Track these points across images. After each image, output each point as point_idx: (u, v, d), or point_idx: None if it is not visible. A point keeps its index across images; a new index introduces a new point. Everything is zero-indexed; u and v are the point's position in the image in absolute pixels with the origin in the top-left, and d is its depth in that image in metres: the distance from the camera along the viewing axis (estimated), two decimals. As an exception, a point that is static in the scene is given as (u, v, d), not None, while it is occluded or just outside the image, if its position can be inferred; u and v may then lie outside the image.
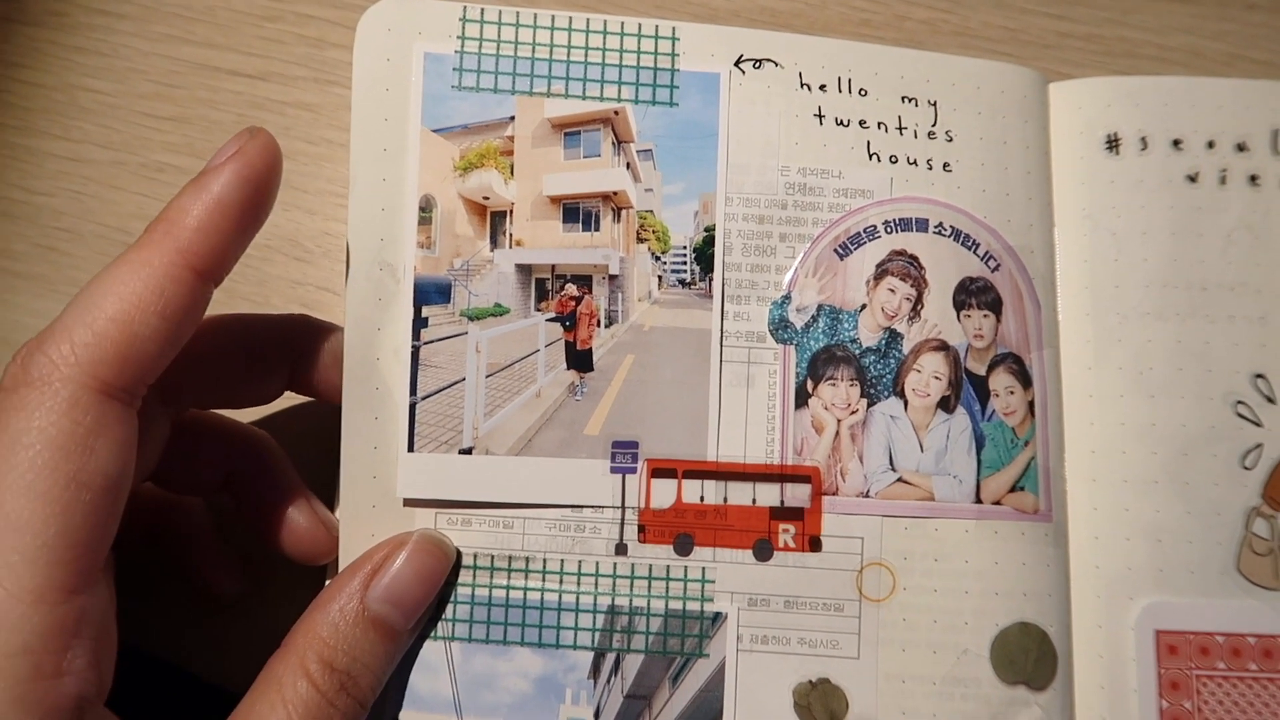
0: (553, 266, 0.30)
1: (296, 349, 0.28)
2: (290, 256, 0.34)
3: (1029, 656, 0.28)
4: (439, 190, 0.29)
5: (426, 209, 0.29)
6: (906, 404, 0.29)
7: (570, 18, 0.30)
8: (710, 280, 0.30)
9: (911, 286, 0.30)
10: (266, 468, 0.29)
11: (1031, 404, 0.30)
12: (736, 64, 0.30)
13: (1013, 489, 0.29)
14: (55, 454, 0.20)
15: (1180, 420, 0.30)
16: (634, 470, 0.29)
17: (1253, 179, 0.31)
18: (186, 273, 0.22)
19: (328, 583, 0.29)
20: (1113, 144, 0.32)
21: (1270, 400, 0.30)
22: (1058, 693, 0.29)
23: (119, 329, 0.21)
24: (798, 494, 0.29)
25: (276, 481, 0.29)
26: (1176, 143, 0.32)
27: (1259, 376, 0.30)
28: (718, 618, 0.29)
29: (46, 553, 0.20)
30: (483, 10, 0.29)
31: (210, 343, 0.24)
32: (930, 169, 0.30)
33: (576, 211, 0.30)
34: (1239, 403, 0.30)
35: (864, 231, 0.30)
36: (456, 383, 0.29)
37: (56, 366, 0.21)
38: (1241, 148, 0.32)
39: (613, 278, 0.30)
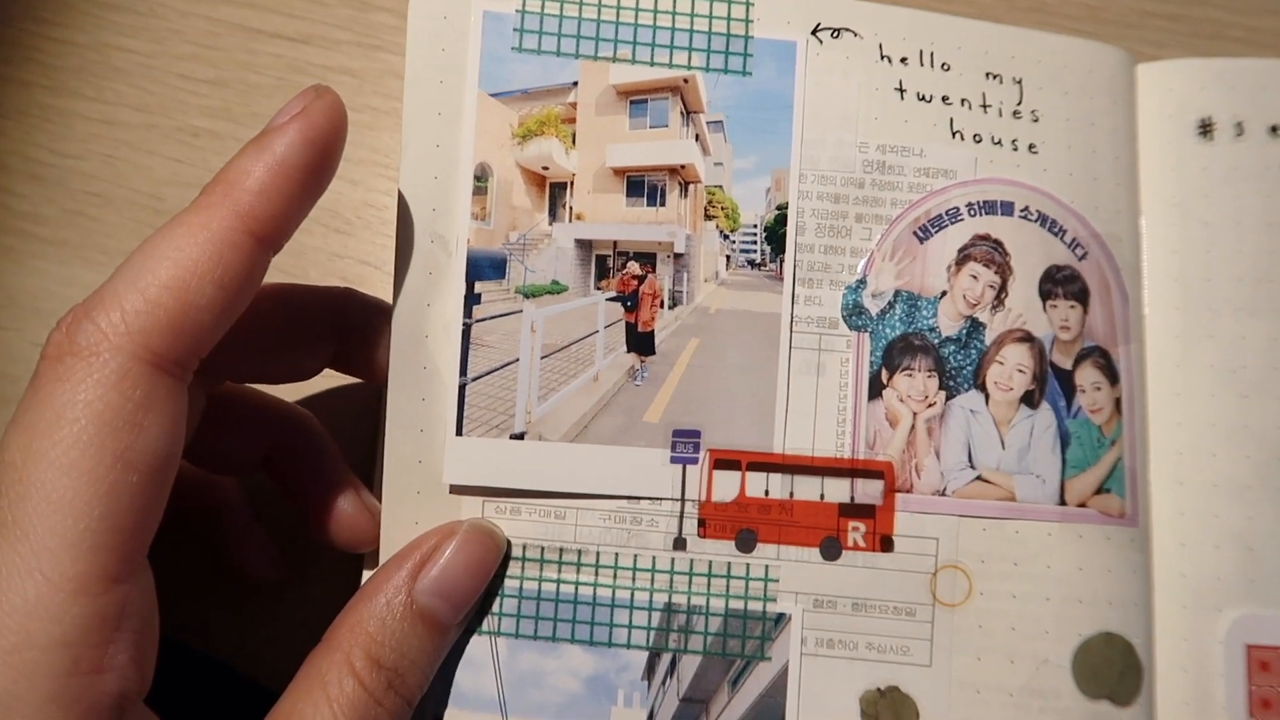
0: (614, 243, 0.28)
1: (341, 323, 0.27)
2: (330, 228, 0.33)
3: (1113, 669, 0.27)
4: (495, 159, 0.27)
5: (482, 178, 0.27)
6: (988, 398, 0.28)
7: (640, -22, 0.28)
8: (781, 262, 0.28)
9: (995, 273, 0.28)
10: (308, 447, 0.28)
11: (1118, 401, 0.28)
12: (814, 32, 0.28)
13: (1098, 491, 0.28)
14: (102, 430, 0.19)
15: (1275, 422, 0.29)
16: (695, 461, 0.27)
17: (1355, 169, 0.30)
18: (246, 238, 0.21)
19: (366, 574, 0.28)
20: (1206, 129, 0.30)
21: (1371, 403, 0.28)
22: (1142, 709, 0.27)
23: (173, 297, 0.20)
24: (869, 490, 0.27)
25: (319, 463, 0.28)
26: (1274, 129, 0.30)
27: (1359, 378, 0.29)
28: (781, 619, 0.27)
29: (89, 537, 0.18)
30: (547, -33, 0.28)
31: (250, 312, 0.23)
32: (1015, 150, 0.29)
33: (641, 185, 0.28)
34: (1338, 405, 0.28)
35: (946, 214, 0.28)
36: (510, 364, 0.27)
37: (105, 335, 0.19)
38: (1343, 135, 0.30)
39: (678, 256, 0.28)
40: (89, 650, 0.18)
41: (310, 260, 0.32)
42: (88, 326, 0.19)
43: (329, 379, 0.30)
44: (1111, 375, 0.28)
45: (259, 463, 0.28)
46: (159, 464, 0.20)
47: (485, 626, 0.27)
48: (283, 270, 0.32)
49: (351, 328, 0.27)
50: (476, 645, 0.27)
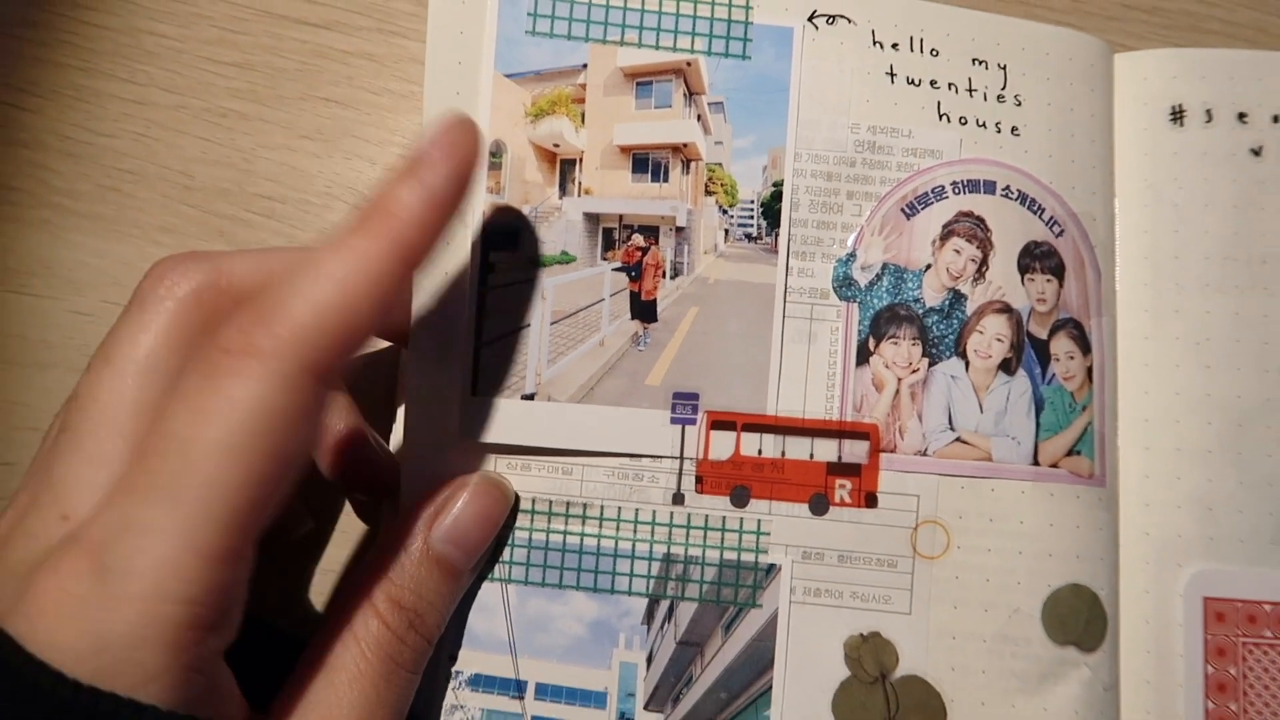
0: (620, 216, 0.30)
1: None
2: (350, 204, 0.34)
3: (1080, 618, 0.29)
4: (510, 136, 0.29)
5: (497, 154, 0.29)
6: (968, 365, 0.29)
7: (646, -33, 0.30)
8: (776, 235, 0.30)
9: (977, 248, 0.30)
10: (329, 400, 0.29)
11: (1090, 370, 0.30)
12: (810, 19, 0.30)
13: (1069, 453, 0.29)
14: (266, 425, 0.20)
15: (1236, 392, 0.30)
16: (694, 421, 0.29)
17: (1317, 154, 0.31)
18: (402, 267, 0.22)
19: (385, 526, 0.30)
20: (1177, 116, 0.32)
21: (1328, 374, 0.30)
22: (1106, 655, 0.29)
23: (338, 317, 0.21)
24: (855, 450, 0.29)
25: (339, 415, 0.29)
26: (1242, 116, 0.32)
27: (1317, 350, 0.30)
28: (771, 569, 0.29)
29: (233, 517, 0.20)
30: (559, -43, 0.29)
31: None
32: (999, 132, 0.30)
33: (646, 162, 0.30)
34: (1296, 376, 0.30)
35: (931, 192, 0.30)
36: (521, 329, 0.29)
37: (282, 344, 0.21)
38: (1307, 123, 0.32)
39: (679, 229, 0.30)
40: (208, 611, 0.20)
41: (332, 233, 0.34)
42: (265, 333, 0.21)
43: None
44: (1084, 346, 0.30)
45: None
46: (298, 462, 0.21)
47: (497, 574, 0.29)
48: (305, 244, 0.34)
49: None
50: (489, 591, 0.29)
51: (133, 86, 0.35)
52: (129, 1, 0.35)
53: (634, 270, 0.30)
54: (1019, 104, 0.31)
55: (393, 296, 0.22)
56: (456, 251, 0.28)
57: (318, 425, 0.22)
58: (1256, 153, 0.31)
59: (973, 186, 0.30)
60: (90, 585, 0.19)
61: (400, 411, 0.30)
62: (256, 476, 0.20)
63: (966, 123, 0.30)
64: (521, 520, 0.29)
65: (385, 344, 0.32)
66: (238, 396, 0.20)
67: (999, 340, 0.30)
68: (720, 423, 0.29)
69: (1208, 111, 0.32)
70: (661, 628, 0.29)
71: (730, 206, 0.30)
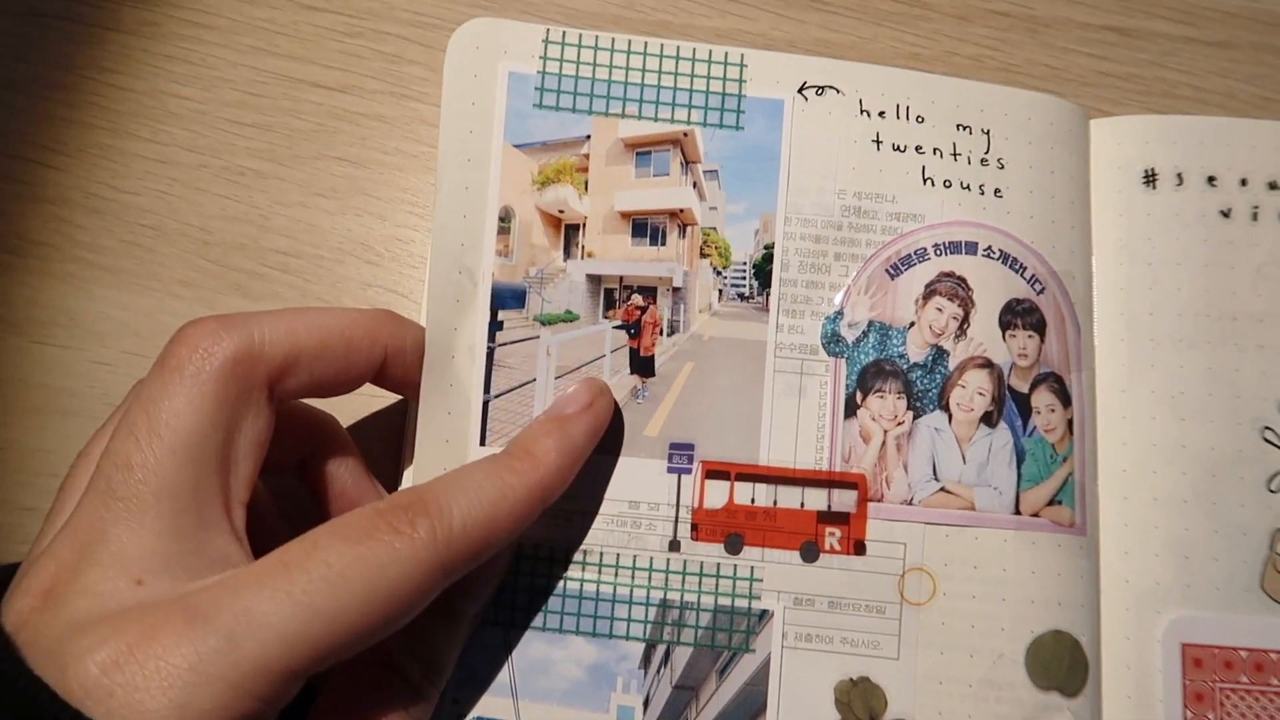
0: (621, 277, 0.31)
1: (384, 343, 0.30)
2: (362, 259, 0.36)
3: (1062, 664, 0.30)
4: (518, 202, 0.31)
5: (505, 219, 0.30)
6: (951, 417, 0.31)
7: (645, 43, 0.31)
8: (767, 295, 0.31)
9: (959, 306, 0.31)
10: (338, 452, 0.30)
11: (1070, 422, 0.31)
12: (800, 90, 0.32)
13: (1050, 502, 0.31)
14: (396, 598, 0.23)
15: (1209, 443, 0.32)
16: (689, 471, 0.30)
17: (1284, 216, 0.33)
18: (538, 505, 0.26)
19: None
20: (1150, 179, 0.33)
21: (1297, 427, 0.32)
22: (1088, 700, 0.30)
23: (481, 533, 0.25)
24: (844, 500, 0.30)
25: (347, 467, 0.30)
26: (1211, 179, 0.33)
27: (1286, 404, 0.32)
28: (764, 615, 0.30)
29: (328, 650, 0.22)
30: (564, 33, 0.31)
31: (317, 339, 0.26)
32: (983, 194, 0.32)
33: (645, 226, 0.31)
34: (1266, 429, 0.32)
35: (914, 253, 0.31)
36: (528, 383, 0.30)
37: (435, 540, 0.24)
38: (1274, 186, 0.33)
39: (676, 290, 0.31)
40: (269, 711, 0.22)
41: (344, 289, 0.36)
42: (428, 526, 0.24)
43: (357, 393, 0.32)
44: (1064, 399, 0.31)
45: (294, 468, 0.30)
46: (390, 632, 0.24)
47: (499, 619, 0.30)
48: (318, 298, 0.35)
49: (392, 347, 0.30)
50: (490, 635, 0.30)
51: (156, 146, 0.37)
52: (154, 66, 0.37)
53: (633, 328, 0.31)
54: (1002, 167, 0.32)
55: (524, 527, 0.26)
56: (466, 309, 0.30)
57: (420, 609, 0.24)
58: (1226, 214, 0.33)
59: (954, 248, 0.32)
60: (189, 654, 0.20)
61: (409, 467, 0.31)
62: (363, 628, 0.22)
63: (951, 185, 0.32)
64: (523, 566, 0.30)
65: (396, 397, 0.34)
66: (386, 564, 0.23)
67: (980, 394, 0.31)
68: (715, 472, 0.30)
69: (1179, 175, 0.33)
70: (658, 672, 0.30)
71: (724, 268, 0.32)
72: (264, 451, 0.25)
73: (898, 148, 0.32)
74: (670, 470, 0.30)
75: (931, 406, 0.31)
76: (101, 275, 0.36)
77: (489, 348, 0.30)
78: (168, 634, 0.20)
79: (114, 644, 0.20)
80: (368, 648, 0.26)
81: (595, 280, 0.31)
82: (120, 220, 0.36)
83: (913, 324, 0.31)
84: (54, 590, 0.22)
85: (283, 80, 0.37)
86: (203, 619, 0.21)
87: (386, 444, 0.34)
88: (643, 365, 0.31)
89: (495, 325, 0.30)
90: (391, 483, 0.32)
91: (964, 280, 0.31)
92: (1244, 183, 0.33)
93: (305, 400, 0.31)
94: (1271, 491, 0.31)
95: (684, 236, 0.31)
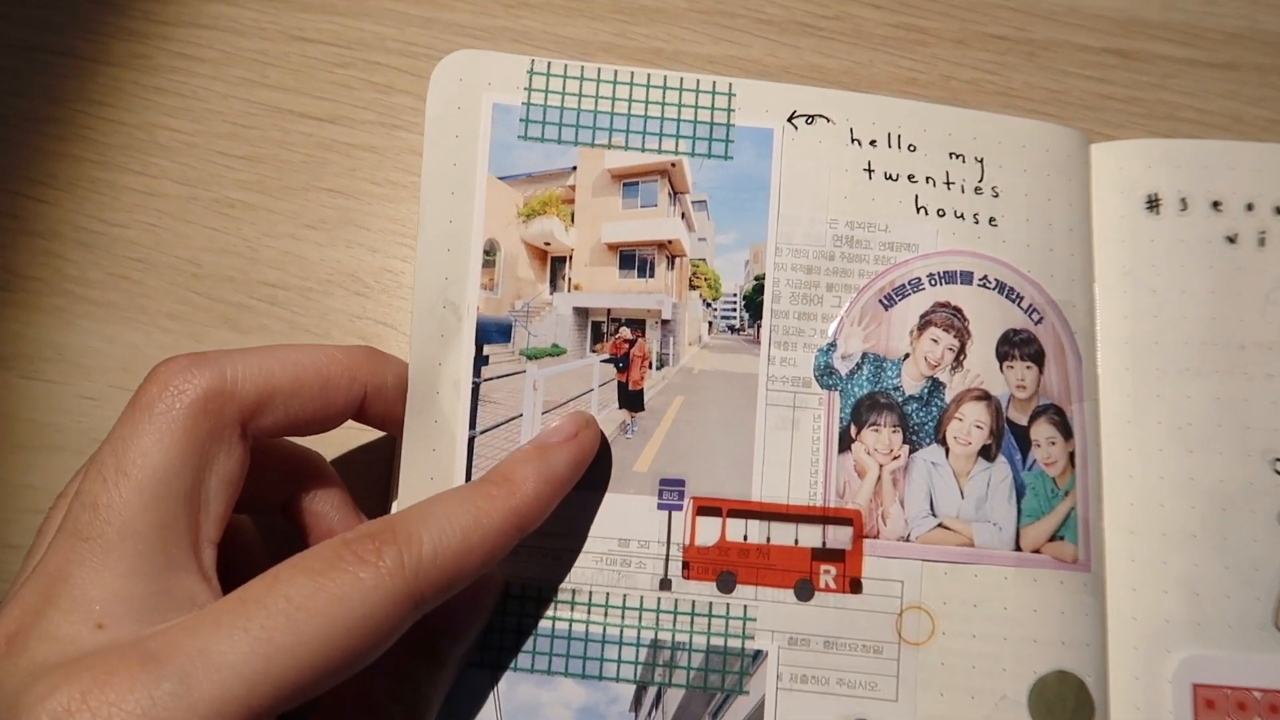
0: (608, 310, 0.31)
1: (364, 380, 0.30)
2: (351, 291, 0.36)
3: (1066, 705, 0.29)
4: (503, 235, 0.30)
5: (490, 252, 0.30)
6: (948, 451, 0.30)
7: (631, 73, 0.31)
8: (758, 327, 0.31)
9: (955, 337, 0.31)
10: (324, 489, 0.30)
11: (1072, 455, 0.30)
12: (790, 119, 0.31)
13: (1052, 538, 0.30)
14: (359, 629, 0.22)
15: (1219, 476, 0.31)
16: (680, 507, 0.30)
17: (1291, 241, 0.32)
18: (514, 534, 0.26)
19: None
20: (1153, 204, 0.32)
21: (1309, 459, 0.31)
22: (1094, 743, 0.29)
23: (453, 562, 0.24)
24: (839, 536, 0.30)
25: (333, 504, 0.30)
26: (1216, 204, 0.32)
27: (1297, 435, 0.31)
28: (758, 655, 0.29)
29: (292, 687, 0.21)
30: (549, 64, 0.31)
31: (291, 376, 0.26)
32: (977, 223, 0.31)
33: (633, 258, 0.31)
34: (1277, 460, 0.31)
35: (909, 283, 0.31)
36: (514, 418, 0.30)
37: (403, 569, 0.23)
38: (1280, 210, 0.32)
39: (665, 322, 0.31)
40: None
41: (333, 321, 0.35)
42: (394, 554, 0.23)
43: (342, 429, 0.32)
44: (1065, 431, 0.31)
45: (280, 506, 0.30)
46: (362, 667, 0.23)
47: (486, 661, 0.29)
48: (308, 330, 0.35)
49: (373, 384, 0.30)
50: (479, 678, 0.29)
51: (145, 179, 0.36)
52: (145, 98, 0.37)
53: (622, 361, 0.31)
54: (996, 195, 0.31)
55: (501, 556, 0.25)
56: (450, 344, 0.29)
57: (389, 646, 0.23)
58: (1232, 240, 0.32)
59: (949, 278, 0.31)
60: (142, 699, 0.20)
61: (395, 501, 0.30)
62: (329, 665, 0.22)
63: (944, 214, 0.31)
64: (511, 606, 0.29)
65: (381, 434, 0.33)
66: (350, 595, 0.22)
67: (978, 427, 0.30)
68: (706, 508, 0.30)
69: (1182, 200, 0.32)
70: (649, 715, 0.29)
71: (714, 300, 0.31)
72: (237, 490, 0.25)
73: (890, 176, 0.31)
74: (660, 507, 0.30)
75: (928, 440, 0.30)
76: (90, 309, 0.35)
77: (474, 383, 0.29)
78: (122, 679, 0.20)
79: (66, 691, 0.20)
80: (351, 690, 0.25)
81: (582, 313, 0.31)
82: (109, 253, 0.36)
83: (908, 355, 0.31)
84: (17, 635, 0.22)
85: (273, 111, 0.37)
86: (157, 662, 0.20)
87: (374, 480, 0.33)
88: (631, 399, 0.30)
89: (480, 360, 0.30)
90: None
91: (959, 310, 0.31)
92: (1250, 207, 0.32)
93: (290, 438, 0.31)
94: (1284, 526, 0.30)
95: (672, 268, 0.31)
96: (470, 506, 0.25)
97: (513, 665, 0.29)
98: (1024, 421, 0.30)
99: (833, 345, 0.31)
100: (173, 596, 0.23)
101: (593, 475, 0.29)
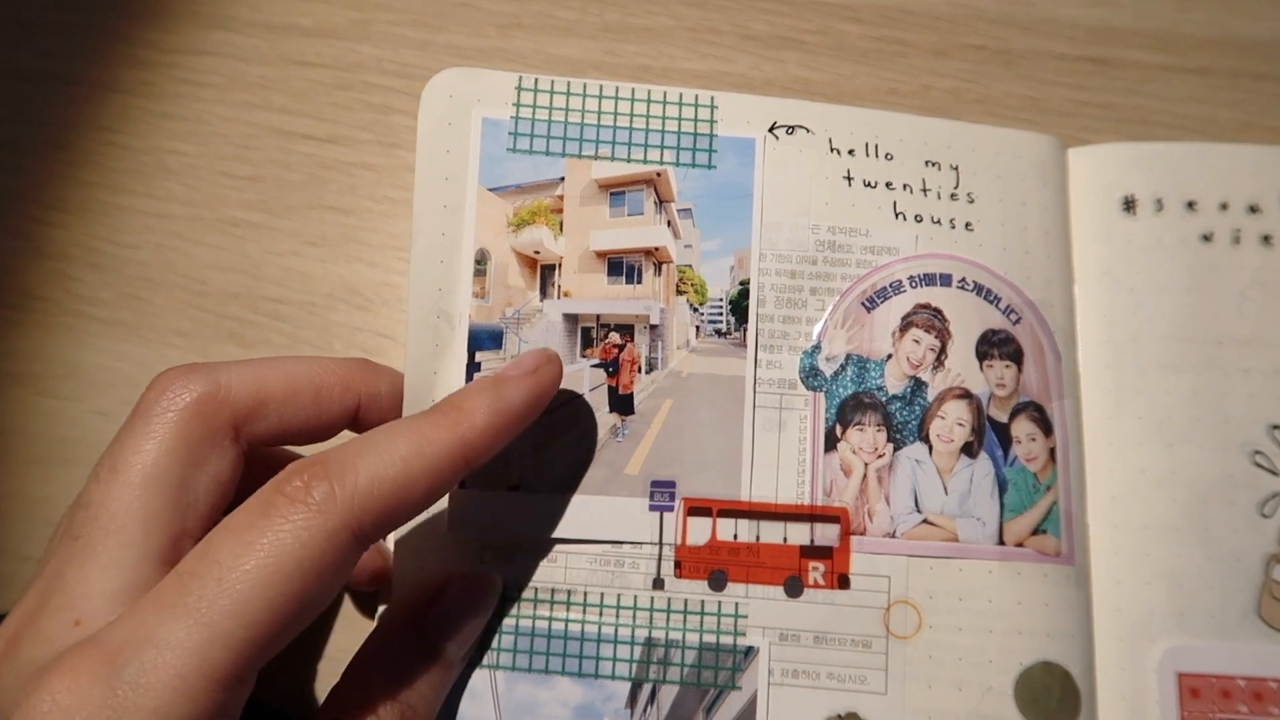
0: (598, 316, 0.32)
1: (358, 390, 0.31)
2: (352, 305, 0.37)
3: (1052, 695, 0.29)
4: (493, 244, 0.31)
5: (481, 262, 0.31)
6: (931, 449, 0.31)
7: (617, 87, 0.32)
8: (745, 330, 0.31)
9: (935, 338, 0.31)
10: None
11: (1053, 451, 0.31)
12: (770, 130, 0.32)
13: (1035, 532, 0.30)
14: (301, 572, 0.22)
15: (1199, 469, 0.31)
16: (671, 508, 0.30)
17: (1265, 239, 0.33)
18: (461, 464, 0.24)
19: (380, 609, 0.31)
20: (1129, 205, 0.33)
21: (1287, 451, 0.31)
22: (1081, 733, 0.29)
23: (393, 491, 0.23)
24: (827, 534, 0.30)
25: None
26: (1190, 204, 0.33)
27: (1275, 428, 0.31)
28: (750, 651, 0.30)
29: (247, 646, 0.21)
30: (536, 80, 0.32)
31: (284, 384, 0.27)
32: (953, 228, 0.32)
33: (620, 265, 0.32)
34: (1256, 452, 0.31)
35: (890, 286, 0.32)
36: (506, 423, 0.30)
37: (336, 502, 0.22)
38: (1254, 209, 0.33)
39: (653, 327, 0.32)
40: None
41: (334, 334, 0.36)
42: (325, 488, 0.22)
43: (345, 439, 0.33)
44: (1045, 427, 0.31)
45: None
46: (319, 610, 0.23)
47: (486, 661, 0.30)
48: (309, 343, 0.36)
49: (367, 394, 0.31)
50: (478, 678, 0.29)
51: (153, 201, 0.38)
52: (151, 123, 0.38)
53: (611, 366, 0.31)
54: (971, 201, 0.32)
55: (447, 486, 0.24)
56: (444, 353, 0.30)
57: (343, 580, 0.23)
58: (1207, 239, 0.33)
59: (929, 280, 0.32)
60: (102, 692, 0.20)
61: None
62: (279, 616, 0.21)
63: (922, 220, 0.32)
64: (509, 608, 0.30)
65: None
66: (284, 540, 0.21)
67: (960, 425, 0.31)
68: (697, 509, 0.30)
69: (1158, 201, 0.33)
70: (644, 711, 0.30)
71: (700, 305, 0.32)
72: (228, 491, 0.25)
73: (869, 184, 0.32)
74: (652, 508, 0.30)
75: (911, 438, 0.31)
76: (101, 327, 0.36)
77: (467, 389, 0.30)
78: (85, 675, 0.20)
79: (42, 693, 0.20)
80: (350, 691, 0.26)
81: (572, 319, 0.32)
82: (119, 273, 0.37)
83: (890, 356, 0.31)
84: (17, 636, 0.22)
85: (275, 133, 0.38)
86: (113, 653, 0.20)
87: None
88: (622, 403, 0.31)
89: (473, 367, 0.30)
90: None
91: (940, 312, 0.32)
92: (1224, 207, 0.33)
93: (290, 448, 0.32)
94: (1264, 516, 0.31)
95: (659, 274, 0.32)
96: (413, 434, 0.24)
97: (511, 665, 0.30)
98: (1004, 419, 0.31)
99: (817, 347, 0.31)
100: (149, 588, 0.23)
101: (585, 479, 0.30)
